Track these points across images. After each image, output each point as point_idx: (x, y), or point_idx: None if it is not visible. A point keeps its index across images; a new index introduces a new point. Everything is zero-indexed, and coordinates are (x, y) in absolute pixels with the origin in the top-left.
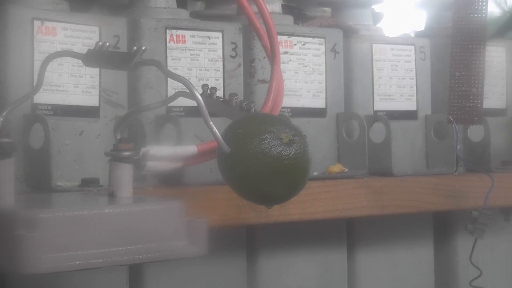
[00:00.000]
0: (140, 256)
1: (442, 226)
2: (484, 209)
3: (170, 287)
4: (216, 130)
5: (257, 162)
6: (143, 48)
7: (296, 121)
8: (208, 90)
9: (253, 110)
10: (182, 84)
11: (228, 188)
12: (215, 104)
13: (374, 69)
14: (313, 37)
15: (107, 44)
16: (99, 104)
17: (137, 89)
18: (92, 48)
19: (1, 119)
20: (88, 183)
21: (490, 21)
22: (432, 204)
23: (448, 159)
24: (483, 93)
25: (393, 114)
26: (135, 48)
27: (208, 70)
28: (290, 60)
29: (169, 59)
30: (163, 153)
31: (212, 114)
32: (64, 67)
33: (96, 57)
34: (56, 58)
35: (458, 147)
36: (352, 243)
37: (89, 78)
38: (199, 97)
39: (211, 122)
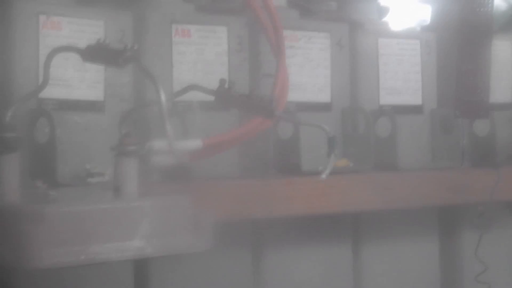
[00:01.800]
0: (145, 251)
1: (448, 221)
2: (490, 203)
3: (176, 281)
4: (172, 135)
5: None
6: (135, 46)
7: (301, 115)
8: (226, 84)
9: (274, 104)
10: (189, 79)
11: (233, 183)
12: (233, 99)
13: (380, 63)
14: (319, 31)
15: (107, 41)
16: (104, 99)
17: (142, 83)
18: (93, 43)
19: (9, 114)
20: (94, 178)
21: (496, 15)
22: (438, 198)
23: (454, 153)
24: (490, 87)
25: (398, 108)
26: (128, 45)
27: (213, 64)
28: (295, 54)
29: (174, 53)
30: (169, 148)
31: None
32: (69, 62)
33: (93, 53)
34: (58, 53)
35: (464, 141)
36: (358, 237)
37: (94, 72)
38: (163, 98)
39: (168, 124)
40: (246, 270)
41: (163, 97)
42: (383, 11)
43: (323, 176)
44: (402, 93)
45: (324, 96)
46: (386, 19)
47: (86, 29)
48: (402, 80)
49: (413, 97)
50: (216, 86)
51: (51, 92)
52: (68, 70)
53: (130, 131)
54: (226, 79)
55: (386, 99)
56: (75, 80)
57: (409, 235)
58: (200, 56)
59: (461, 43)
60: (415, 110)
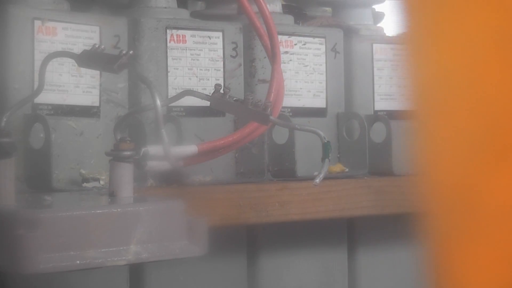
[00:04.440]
0: (141, 256)
1: None
2: None
3: (171, 286)
4: (167, 139)
5: None
6: (131, 52)
7: (296, 121)
8: (221, 89)
9: (269, 110)
10: (184, 84)
11: (228, 188)
12: (228, 104)
13: (375, 68)
14: (314, 37)
15: (102, 46)
16: (100, 104)
17: (137, 89)
18: (88, 49)
19: (5, 119)
20: (89, 183)
21: None
22: None
23: None
24: None
25: (393, 113)
26: (124, 51)
27: (208, 70)
28: (290, 60)
29: (169, 59)
30: (163, 153)
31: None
32: (64, 67)
33: (88, 58)
34: (53, 58)
35: None
36: (353, 243)
37: (90, 78)
38: (158, 103)
39: (163, 129)
40: (241, 275)
41: (158, 102)
42: (378, 16)
43: (317, 181)
44: (397, 99)
45: (319, 102)
46: (381, 24)
47: (81, 35)
48: (397, 85)
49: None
50: (211, 92)
51: (46, 97)
52: (63, 75)
53: (125, 136)
54: (221, 85)
55: (381, 104)
56: (70, 85)
57: (405, 240)
58: (195, 62)
59: None
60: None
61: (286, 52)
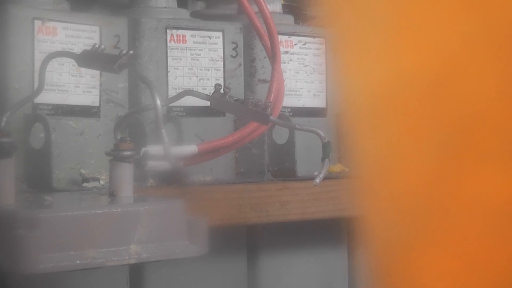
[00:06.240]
0: (141, 256)
1: None
2: None
3: (171, 287)
4: (167, 139)
5: None
6: (131, 52)
7: (296, 121)
8: (221, 89)
9: (269, 110)
10: (184, 84)
11: (229, 188)
12: (228, 104)
13: None
14: (314, 36)
15: (102, 46)
16: (100, 104)
17: (137, 89)
18: (88, 49)
19: (5, 119)
20: (89, 183)
21: None
22: None
23: None
24: None
25: None
26: (124, 51)
27: (208, 70)
28: (290, 60)
29: (169, 58)
30: (164, 153)
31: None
32: (64, 67)
33: (88, 58)
34: (53, 58)
35: None
36: (353, 242)
37: (90, 78)
38: (158, 103)
39: (163, 129)
40: (241, 275)
41: (158, 102)
42: None
43: (317, 181)
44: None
45: (319, 102)
46: None
47: (82, 35)
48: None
49: None
50: (211, 92)
51: (46, 97)
52: (63, 75)
53: (125, 136)
54: (221, 85)
55: None
56: (70, 85)
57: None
58: (195, 62)
59: None
60: None
61: (286, 52)
